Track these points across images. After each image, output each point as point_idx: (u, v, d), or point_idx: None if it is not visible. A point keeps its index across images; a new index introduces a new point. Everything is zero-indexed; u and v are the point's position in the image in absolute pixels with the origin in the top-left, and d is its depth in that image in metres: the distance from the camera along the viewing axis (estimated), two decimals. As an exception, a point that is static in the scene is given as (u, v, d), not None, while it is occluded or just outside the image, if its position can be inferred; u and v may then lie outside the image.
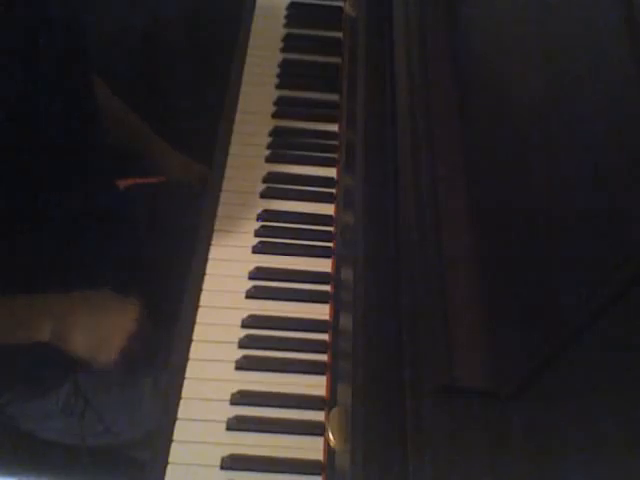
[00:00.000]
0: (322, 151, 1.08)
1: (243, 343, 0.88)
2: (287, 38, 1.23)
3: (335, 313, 0.89)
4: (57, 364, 0.98)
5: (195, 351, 0.87)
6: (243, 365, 0.86)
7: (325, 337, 0.88)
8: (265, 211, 1.00)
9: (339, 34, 1.22)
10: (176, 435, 0.81)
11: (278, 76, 1.17)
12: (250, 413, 0.83)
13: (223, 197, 1.02)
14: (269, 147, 1.08)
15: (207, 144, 1.10)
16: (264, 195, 1.02)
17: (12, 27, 0.80)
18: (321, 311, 0.91)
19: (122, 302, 0.94)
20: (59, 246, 0.90)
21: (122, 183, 1.21)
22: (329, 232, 0.98)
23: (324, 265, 0.95)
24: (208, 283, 0.93)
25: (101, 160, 1.03)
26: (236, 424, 0.82)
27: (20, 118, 0.83)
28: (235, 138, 1.09)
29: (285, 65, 1.19)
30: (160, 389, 0.97)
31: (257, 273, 0.94)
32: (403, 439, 0.63)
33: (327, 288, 0.93)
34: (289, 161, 1.07)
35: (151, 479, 0.79)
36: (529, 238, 0.67)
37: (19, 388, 0.98)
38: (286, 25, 1.25)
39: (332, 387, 0.83)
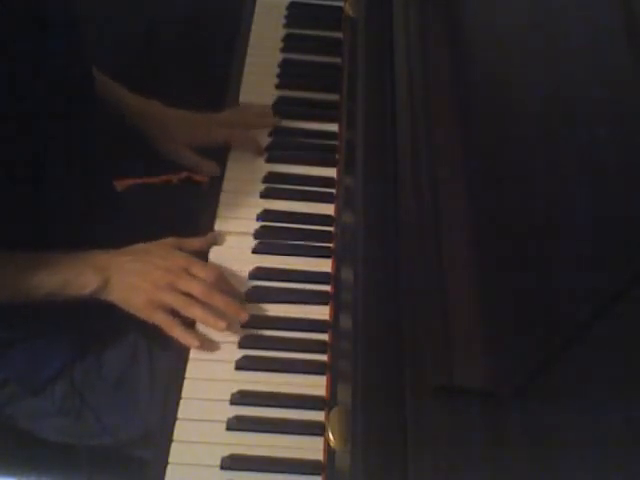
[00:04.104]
0: (322, 151, 1.08)
1: (243, 343, 0.88)
2: (287, 38, 1.23)
3: (335, 313, 0.89)
4: (51, 359, 0.98)
5: (195, 351, 0.87)
6: (243, 365, 0.86)
7: (325, 337, 0.88)
8: (265, 211, 1.00)
9: (339, 34, 1.22)
10: (176, 435, 0.81)
11: (278, 76, 1.17)
12: (250, 413, 0.82)
13: (223, 197, 1.02)
14: (269, 147, 1.08)
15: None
16: (264, 195, 1.02)
17: (12, 28, 0.80)
18: (321, 311, 0.91)
19: None
20: (59, 248, 0.89)
21: (121, 184, 1.21)
22: (329, 232, 0.98)
23: (324, 265, 0.95)
24: (208, 283, 0.92)
25: (101, 160, 1.03)
26: (236, 424, 0.81)
27: (20, 119, 0.83)
28: (235, 138, 1.09)
29: (285, 65, 1.19)
30: (157, 388, 0.97)
31: (257, 273, 0.94)
32: (403, 439, 0.63)
33: (327, 288, 0.93)
34: (289, 161, 1.06)
35: (151, 479, 0.79)
36: (529, 238, 0.67)
37: (12, 386, 0.98)
38: (286, 25, 1.25)
39: (332, 387, 0.83)
